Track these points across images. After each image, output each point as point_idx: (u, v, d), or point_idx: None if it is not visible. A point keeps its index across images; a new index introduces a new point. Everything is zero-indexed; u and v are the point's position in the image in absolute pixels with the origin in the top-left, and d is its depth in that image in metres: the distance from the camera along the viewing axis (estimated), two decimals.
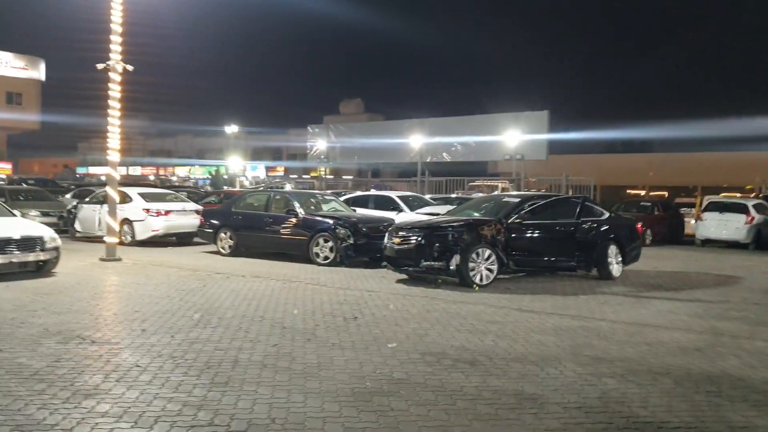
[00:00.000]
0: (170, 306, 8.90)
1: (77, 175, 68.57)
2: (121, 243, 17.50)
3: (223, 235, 15.60)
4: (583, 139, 50.47)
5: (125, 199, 18.25)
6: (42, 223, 20.81)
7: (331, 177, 54.53)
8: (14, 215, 12.74)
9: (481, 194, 23.67)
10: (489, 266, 10.94)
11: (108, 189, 14.77)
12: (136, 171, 78.89)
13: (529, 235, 11.59)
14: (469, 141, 42.86)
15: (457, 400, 5.10)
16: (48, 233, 11.87)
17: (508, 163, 39.06)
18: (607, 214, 12.97)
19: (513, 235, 11.30)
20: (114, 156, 14.56)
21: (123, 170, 78.14)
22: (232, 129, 56.47)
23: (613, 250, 12.30)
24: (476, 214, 12.30)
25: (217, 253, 15.59)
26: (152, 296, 9.77)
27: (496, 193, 26.15)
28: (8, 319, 7.76)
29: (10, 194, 22.61)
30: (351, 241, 13.53)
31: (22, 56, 60.20)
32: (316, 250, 13.82)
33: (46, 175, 49.13)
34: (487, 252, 10.92)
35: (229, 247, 15.43)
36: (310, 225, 14.12)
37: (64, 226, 20.36)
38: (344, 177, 53.09)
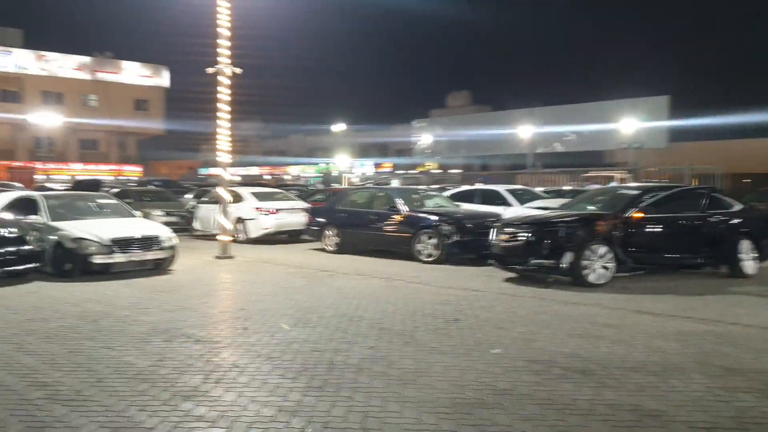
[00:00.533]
0: (274, 304, 8.92)
1: (200, 176, 72.14)
2: (236, 241, 18.05)
3: (328, 232, 15.67)
4: (709, 124, 47.17)
5: (238, 198, 18.79)
6: (164, 222, 21.94)
7: (439, 172, 54.21)
8: (134, 215, 13.32)
9: (596, 186, 22.57)
10: (605, 264, 10.25)
11: (219, 189, 15.17)
12: (253, 171, 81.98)
13: (649, 229, 10.77)
14: (583, 130, 41.16)
15: (567, 415, 4.66)
16: (165, 233, 12.32)
17: (624, 153, 37.19)
18: (738, 206, 11.87)
19: (631, 230, 10.53)
20: (224, 157, 14.93)
21: (242, 170, 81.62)
22: (338, 127, 57.36)
23: (746, 244, 11.22)
24: (591, 208, 11.60)
25: (323, 250, 15.69)
26: (258, 294, 9.86)
27: (612, 184, 24.88)
28: (122, 317, 8.02)
29: (136, 195, 23.95)
30: (455, 238, 13.16)
31: (148, 65, 64.05)
32: (419, 247, 13.56)
33: (170, 177, 52.04)
34: (603, 248, 10.22)
35: (335, 244, 15.48)
36: (412, 222, 13.87)
37: (185, 225, 21.31)
38: (451, 171, 52.61)
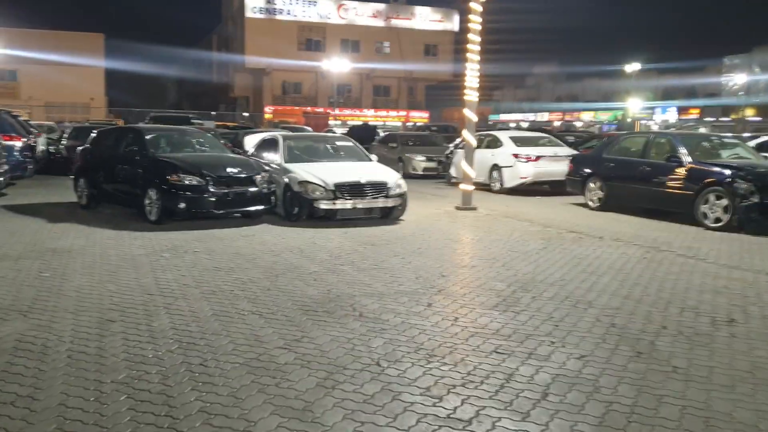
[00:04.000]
0: (486, 272, 7.23)
1: (489, 123, 71.64)
2: (490, 190, 16.58)
3: (591, 185, 13.26)
4: None
5: (496, 143, 17.20)
6: (425, 167, 21.35)
7: (758, 119, 46.15)
8: (370, 159, 12.50)
9: None
10: None
11: (465, 133, 13.64)
12: (543, 117, 79.12)
13: None
14: None
15: None
16: (393, 179, 11.27)
17: None
18: None
19: None
20: (472, 96, 13.29)
21: (531, 116, 79.22)
22: (632, 67, 51.61)
23: None
24: None
25: (585, 205, 13.36)
26: (477, 257, 8.26)
27: None
28: (307, 274, 7.02)
29: (401, 139, 23.66)
30: (754, 199, 9.94)
31: (438, 9, 64.37)
32: (703, 208, 10.58)
33: (458, 123, 52.08)
34: None
35: (598, 199, 13.05)
36: (698, 176, 10.85)
37: (443, 171, 20.37)
38: None
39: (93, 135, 12.99)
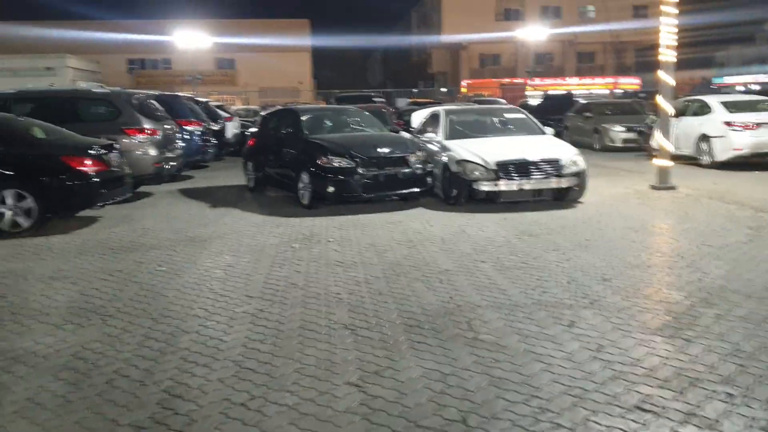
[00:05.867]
0: (663, 275, 5.72)
1: (711, 86, 63.98)
2: (698, 164, 14.21)
3: None
4: None
5: (704, 110, 14.69)
6: (623, 138, 19.08)
7: None
8: (544, 133, 11.03)
9: None
10: None
11: (659, 99, 11.56)
12: None
13: None
14: None
15: None
16: (568, 155, 9.77)
17: None
18: None
19: None
20: (668, 55, 11.18)
21: (761, 78, 69.51)
22: None
23: None
24: None
25: None
26: (656, 253, 6.68)
27: None
28: (433, 274, 5.99)
29: (596, 108, 21.43)
30: None
31: None
32: None
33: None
34: None
35: None
36: None
37: (644, 143, 18.00)
38: None
39: (259, 118, 12.96)
